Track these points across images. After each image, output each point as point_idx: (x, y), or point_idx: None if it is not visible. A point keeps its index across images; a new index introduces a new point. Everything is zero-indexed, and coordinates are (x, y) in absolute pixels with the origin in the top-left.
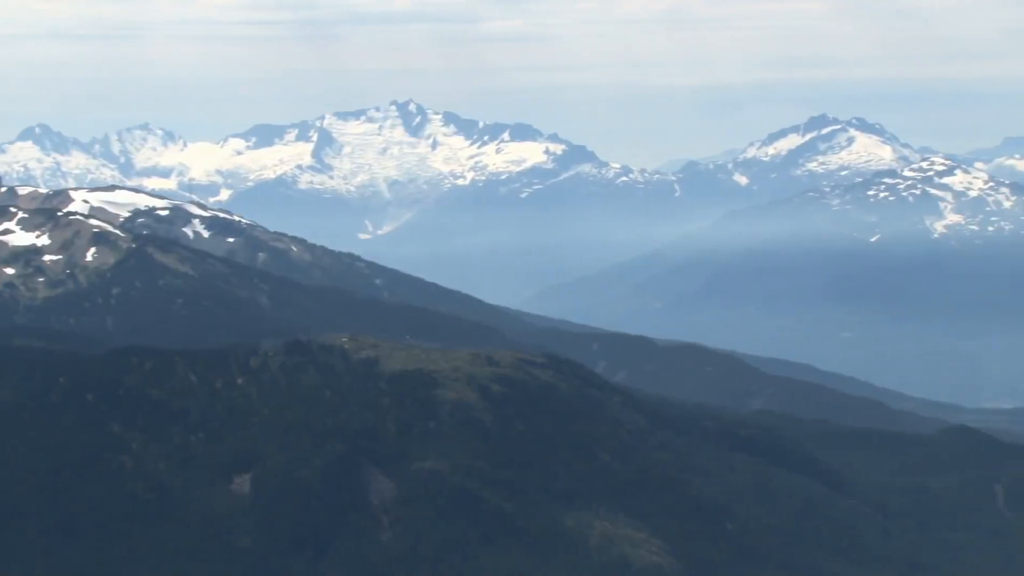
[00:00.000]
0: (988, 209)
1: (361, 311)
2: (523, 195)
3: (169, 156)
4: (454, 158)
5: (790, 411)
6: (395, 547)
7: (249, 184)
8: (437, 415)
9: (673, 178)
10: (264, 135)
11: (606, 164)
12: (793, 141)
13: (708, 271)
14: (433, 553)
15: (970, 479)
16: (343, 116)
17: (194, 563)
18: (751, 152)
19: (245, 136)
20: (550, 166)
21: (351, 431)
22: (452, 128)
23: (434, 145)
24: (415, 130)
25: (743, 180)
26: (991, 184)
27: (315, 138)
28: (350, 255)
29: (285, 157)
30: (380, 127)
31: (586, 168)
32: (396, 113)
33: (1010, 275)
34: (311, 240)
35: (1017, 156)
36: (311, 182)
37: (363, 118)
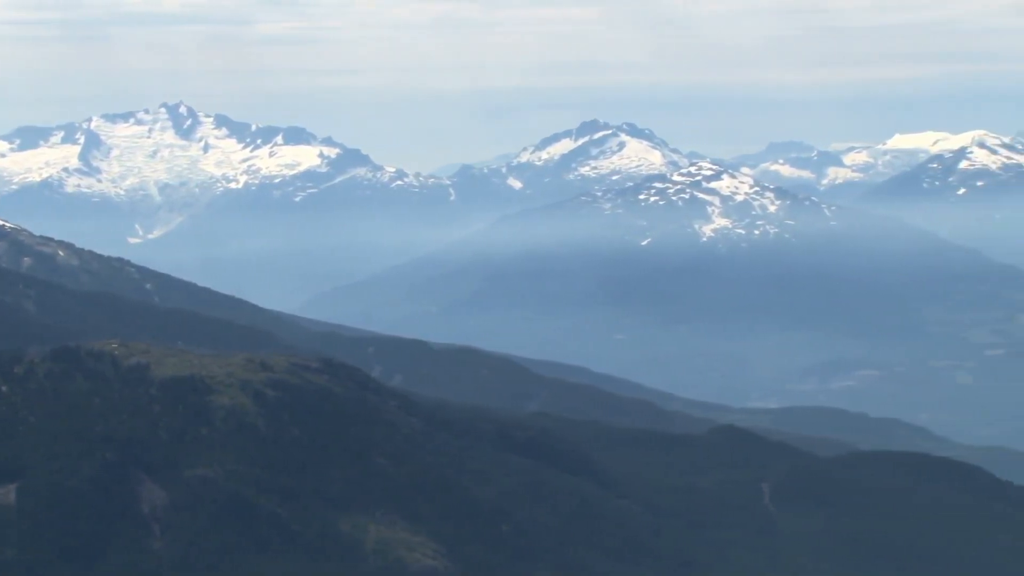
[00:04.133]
0: (754, 213)
1: (131, 316)
2: (297, 199)
3: None
4: (226, 161)
5: (565, 413)
6: (167, 555)
7: (13, 187)
8: (210, 421)
9: (448, 182)
10: (29, 137)
11: (381, 168)
12: (566, 146)
13: (483, 275)
14: (206, 561)
15: (738, 478)
16: (111, 118)
17: None
18: (525, 157)
19: (9, 138)
20: (324, 170)
21: (121, 439)
22: (224, 131)
23: (206, 148)
24: (186, 133)
25: (517, 184)
26: (757, 189)
27: (82, 140)
28: (119, 259)
29: (51, 159)
30: (150, 129)
31: (360, 172)
32: (166, 115)
33: (776, 277)
34: (79, 244)
35: (782, 161)
36: (78, 185)
37: (132, 120)
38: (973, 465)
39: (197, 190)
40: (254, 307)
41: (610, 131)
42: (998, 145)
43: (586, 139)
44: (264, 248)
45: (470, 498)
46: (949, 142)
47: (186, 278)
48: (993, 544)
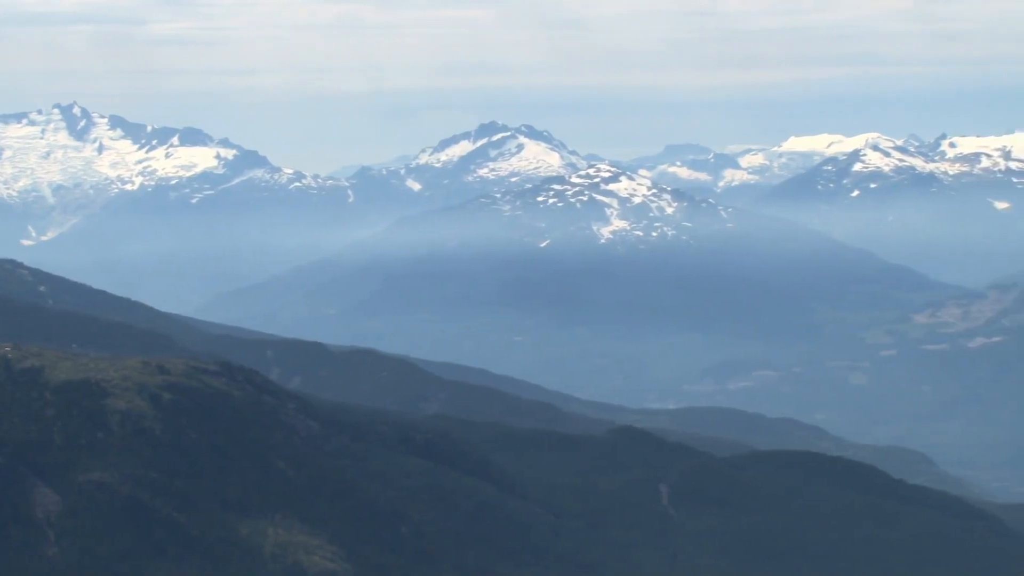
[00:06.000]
0: (652, 215)
1: (24, 319)
2: (194, 200)
3: None
4: (122, 163)
5: (464, 415)
6: (61, 561)
7: None
8: (106, 425)
9: (346, 184)
10: None
11: (279, 169)
12: (464, 148)
13: (382, 277)
14: (102, 566)
15: (636, 478)
16: (3, 118)
17: None
18: (424, 158)
19: None
20: (221, 171)
21: (14, 443)
22: (119, 132)
23: (100, 149)
24: (80, 134)
25: (416, 186)
26: (654, 191)
27: None
28: (12, 261)
29: None
30: (43, 130)
31: (258, 173)
32: (59, 116)
33: (673, 279)
34: None
35: (679, 163)
36: None
37: (24, 121)
38: (867, 464)
39: (92, 192)
40: (151, 310)
41: (508, 133)
42: (891, 148)
43: (485, 141)
44: (161, 250)
45: (369, 501)
46: (843, 145)
47: (81, 281)
48: (886, 541)
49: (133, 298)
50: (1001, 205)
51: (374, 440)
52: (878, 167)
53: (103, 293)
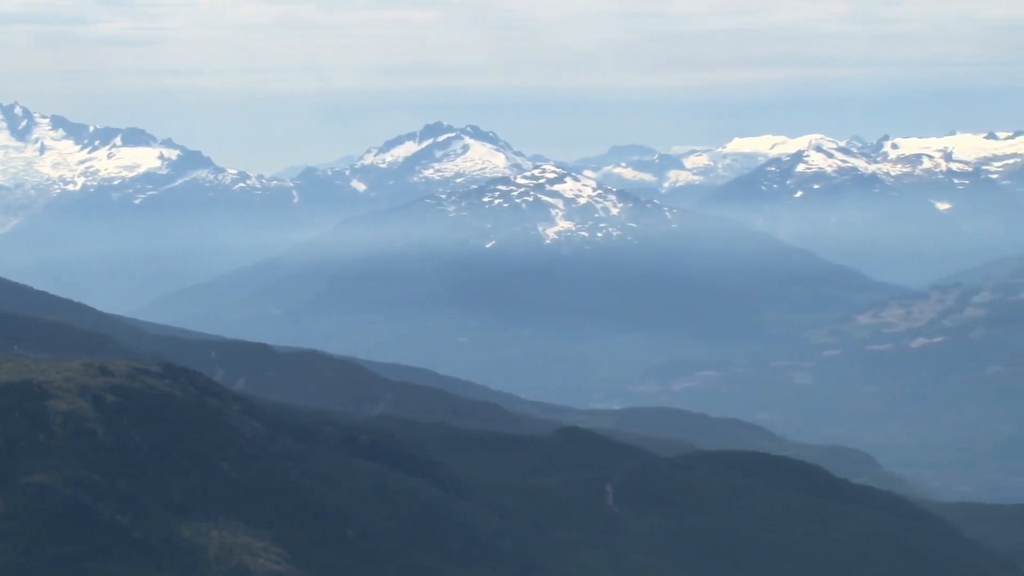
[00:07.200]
0: (597, 215)
1: None
2: (137, 201)
3: None
4: (64, 163)
5: (409, 415)
6: (2, 565)
7: None
8: (47, 427)
9: (291, 184)
10: None
11: (223, 170)
12: (410, 148)
13: (327, 277)
14: (44, 569)
15: (581, 478)
16: None
17: None
18: (368, 159)
19: None
20: (165, 172)
21: None
22: (61, 132)
23: (42, 149)
24: (21, 134)
25: (361, 187)
26: (599, 191)
27: None
28: None
29: None
30: None
31: (202, 174)
32: (0, 116)
33: (618, 279)
34: None
35: (624, 164)
36: None
37: None
38: (811, 464)
39: (33, 192)
40: (93, 311)
41: (454, 134)
42: (834, 149)
43: (430, 142)
44: (103, 251)
45: (314, 502)
46: (786, 146)
47: (22, 282)
48: (830, 540)
49: (75, 299)
50: (942, 206)
51: (319, 441)
52: (821, 168)
53: (44, 294)
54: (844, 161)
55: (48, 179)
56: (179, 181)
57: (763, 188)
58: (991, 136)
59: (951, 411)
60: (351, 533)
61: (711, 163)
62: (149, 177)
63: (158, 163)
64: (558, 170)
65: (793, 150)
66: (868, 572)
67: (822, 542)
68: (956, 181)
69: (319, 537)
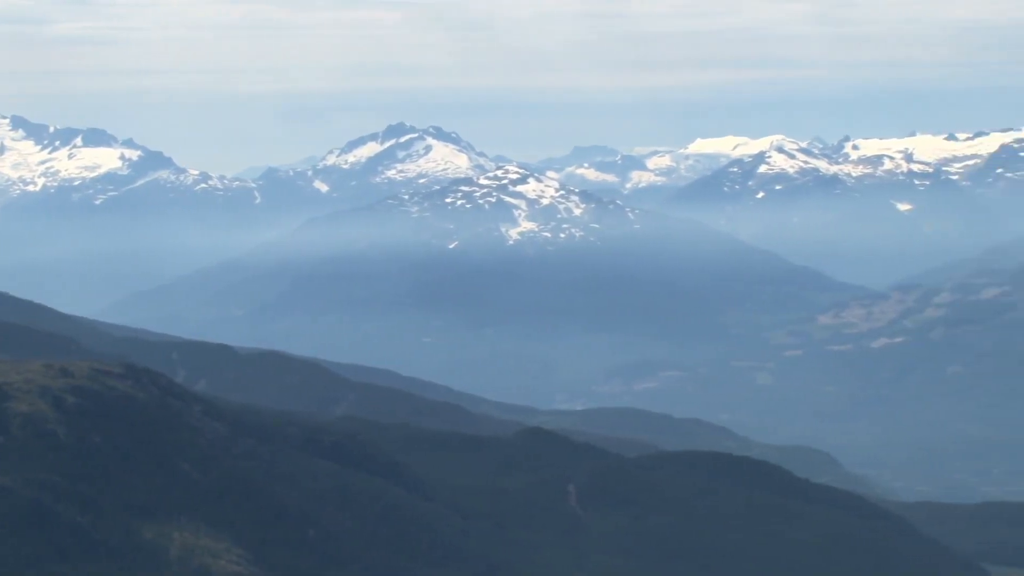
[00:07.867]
0: (560, 216)
1: None
2: (98, 201)
3: None
4: (23, 164)
5: (372, 416)
6: None
7: None
8: (7, 429)
9: (253, 185)
10: None
11: (184, 171)
12: (372, 149)
13: (289, 278)
14: (4, 571)
15: (544, 479)
16: None
17: None
18: (331, 160)
19: None
20: (126, 172)
21: None
22: (21, 133)
23: (2, 150)
24: None
25: (323, 187)
26: (562, 192)
27: None
28: None
29: None
30: None
31: (163, 174)
32: None
33: (581, 280)
34: None
35: (587, 165)
36: None
37: None
38: (772, 464)
39: None
40: (54, 312)
41: (416, 134)
42: (795, 150)
43: (392, 142)
44: (64, 252)
45: (276, 503)
46: (749, 147)
47: None
48: (792, 540)
49: (36, 300)
50: (903, 207)
51: (281, 442)
52: (783, 169)
53: (4, 295)
54: (806, 162)
55: (8, 180)
56: (140, 182)
57: (725, 189)
58: (951, 137)
59: (912, 411)
60: (313, 534)
61: (673, 164)
62: (110, 178)
63: (119, 164)
64: (521, 171)
65: (755, 151)
66: (830, 571)
67: (784, 542)
68: (917, 182)
69: (281, 538)
